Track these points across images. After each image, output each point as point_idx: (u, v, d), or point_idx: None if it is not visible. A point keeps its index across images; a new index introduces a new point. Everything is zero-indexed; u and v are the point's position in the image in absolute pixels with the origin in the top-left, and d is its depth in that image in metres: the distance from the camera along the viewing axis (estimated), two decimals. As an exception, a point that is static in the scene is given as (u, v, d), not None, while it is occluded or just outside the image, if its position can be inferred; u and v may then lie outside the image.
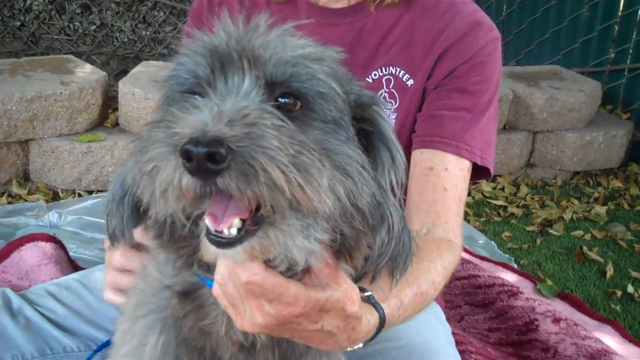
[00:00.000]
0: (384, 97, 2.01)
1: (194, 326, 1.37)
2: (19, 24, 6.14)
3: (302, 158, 1.05)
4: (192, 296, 1.36)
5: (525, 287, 3.68)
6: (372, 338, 1.47)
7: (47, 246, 3.27)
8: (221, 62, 1.17)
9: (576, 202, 5.15)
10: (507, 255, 4.17)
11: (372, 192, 1.22)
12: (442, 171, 1.91)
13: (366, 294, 1.44)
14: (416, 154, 1.97)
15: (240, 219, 1.06)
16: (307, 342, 1.37)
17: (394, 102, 2.01)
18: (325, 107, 1.21)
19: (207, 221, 1.07)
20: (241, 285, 1.17)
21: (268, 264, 1.16)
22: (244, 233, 1.08)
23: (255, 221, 1.08)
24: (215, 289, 1.25)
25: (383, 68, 2.02)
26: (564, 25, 6.39)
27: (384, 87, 2.01)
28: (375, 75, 2.02)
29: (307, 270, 1.21)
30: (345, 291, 1.27)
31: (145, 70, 4.86)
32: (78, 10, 6.30)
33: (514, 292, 3.42)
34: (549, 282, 3.84)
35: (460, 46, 1.97)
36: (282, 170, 1.01)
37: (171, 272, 1.41)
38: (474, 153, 1.95)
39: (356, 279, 1.38)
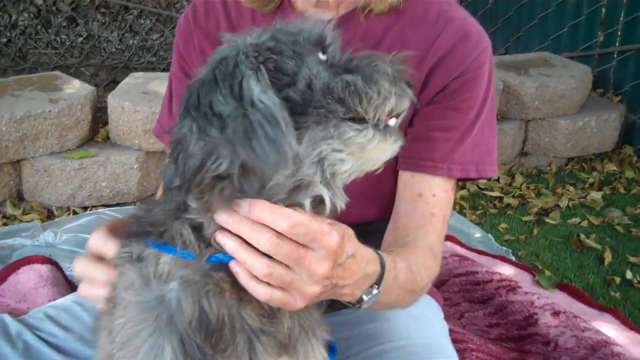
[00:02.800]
0: None
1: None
2: (5, 40, 6.12)
3: None
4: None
5: (524, 279, 3.68)
6: (377, 283, 1.58)
7: (43, 268, 3.27)
8: None
9: (572, 188, 5.15)
10: (505, 248, 4.17)
11: None
12: (430, 197, 1.97)
13: None
14: (406, 176, 1.99)
15: None
16: (353, 288, 1.50)
17: None
18: None
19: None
20: (292, 247, 1.30)
21: None
22: None
23: None
24: (264, 293, 1.33)
25: None
26: (551, 10, 6.36)
27: None
28: None
29: None
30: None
31: (133, 82, 4.85)
32: (64, 24, 6.28)
33: (512, 287, 3.42)
34: (548, 272, 3.85)
35: (450, 60, 1.93)
36: None
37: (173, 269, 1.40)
38: (467, 170, 1.97)
39: None
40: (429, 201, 1.97)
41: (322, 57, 1.36)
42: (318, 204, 1.36)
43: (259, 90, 1.24)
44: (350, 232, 1.41)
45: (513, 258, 4.04)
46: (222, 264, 1.36)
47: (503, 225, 4.55)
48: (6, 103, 4.36)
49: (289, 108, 1.27)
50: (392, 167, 2.01)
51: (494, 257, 3.92)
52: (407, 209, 1.99)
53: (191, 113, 1.28)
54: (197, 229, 1.37)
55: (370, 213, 2.11)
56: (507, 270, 3.74)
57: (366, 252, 1.53)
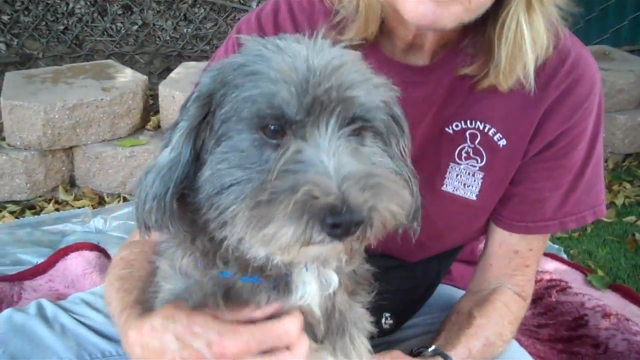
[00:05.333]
0: (467, 153, 1.83)
1: None
2: (62, 27, 6.21)
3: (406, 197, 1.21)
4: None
5: (575, 279, 3.59)
6: None
7: (91, 255, 3.31)
8: (319, 106, 1.19)
9: (628, 185, 5.01)
10: (557, 246, 4.07)
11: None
12: (526, 252, 1.93)
13: (430, 349, 1.68)
14: (503, 234, 1.92)
15: None
16: None
17: (479, 159, 1.83)
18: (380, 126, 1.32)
19: None
20: None
21: None
22: None
23: None
24: None
25: (468, 121, 1.80)
26: (611, 2, 6.20)
27: (468, 142, 1.81)
28: (457, 126, 1.81)
29: None
30: None
31: (185, 71, 4.87)
32: (120, 11, 6.34)
33: (562, 287, 3.34)
34: (600, 272, 3.75)
35: (560, 110, 1.74)
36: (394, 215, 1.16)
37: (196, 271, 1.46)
38: (583, 217, 1.87)
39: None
40: (524, 255, 1.92)
41: None
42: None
43: None
44: None
45: (565, 256, 3.94)
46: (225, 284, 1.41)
47: (556, 222, 4.43)
48: (60, 90, 4.43)
49: None
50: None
51: (545, 254, 3.82)
52: (500, 264, 1.95)
53: None
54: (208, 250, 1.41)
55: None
56: (558, 269, 3.65)
57: None
